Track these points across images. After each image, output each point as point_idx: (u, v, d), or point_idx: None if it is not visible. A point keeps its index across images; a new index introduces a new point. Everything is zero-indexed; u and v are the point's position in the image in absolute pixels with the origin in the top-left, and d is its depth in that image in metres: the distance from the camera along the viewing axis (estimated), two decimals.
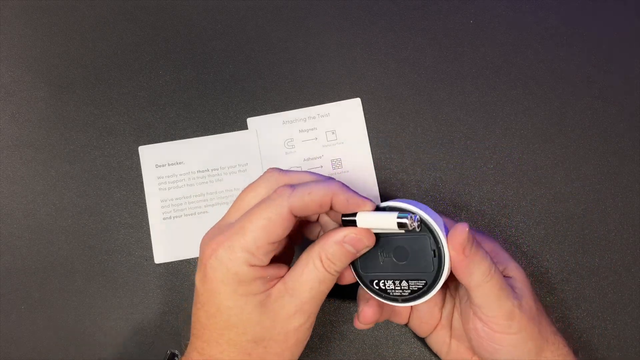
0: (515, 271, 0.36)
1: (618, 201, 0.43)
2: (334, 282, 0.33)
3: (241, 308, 0.31)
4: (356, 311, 0.42)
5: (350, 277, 0.36)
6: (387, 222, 0.31)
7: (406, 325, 0.39)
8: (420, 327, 0.38)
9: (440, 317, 0.38)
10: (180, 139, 0.44)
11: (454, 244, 0.31)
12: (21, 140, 0.44)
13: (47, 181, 0.43)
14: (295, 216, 0.31)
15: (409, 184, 0.43)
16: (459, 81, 0.44)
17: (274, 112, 0.44)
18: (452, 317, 0.37)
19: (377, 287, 0.34)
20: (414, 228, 0.31)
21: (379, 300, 0.35)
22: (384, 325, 0.42)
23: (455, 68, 0.45)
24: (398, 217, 0.31)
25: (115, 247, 0.43)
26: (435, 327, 0.38)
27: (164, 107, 0.44)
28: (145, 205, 0.43)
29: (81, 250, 0.43)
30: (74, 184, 0.43)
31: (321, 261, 0.32)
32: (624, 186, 0.43)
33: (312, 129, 0.44)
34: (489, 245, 0.37)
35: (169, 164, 0.43)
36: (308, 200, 0.31)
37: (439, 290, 0.32)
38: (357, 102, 0.44)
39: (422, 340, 0.42)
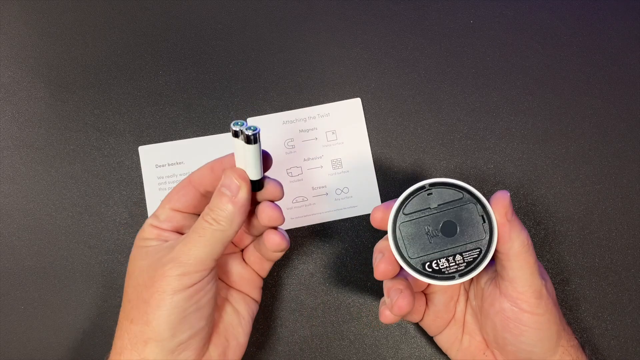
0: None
1: (618, 201, 0.43)
2: (219, 236, 0.31)
3: (134, 256, 0.33)
4: (355, 310, 0.42)
5: (275, 239, 0.35)
6: (238, 145, 0.32)
7: (418, 324, 0.39)
8: (435, 323, 0.38)
9: (455, 312, 0.37)
10: (180, 139, 0.44)
11: (498, 208, 0.31)
12: (21, 140, 0.44)
13: (47, 181, 0.43)
14: (198, 189, 0.34)
15: (409, 184, 0.43)
16: (459, 81, 0.44)
17: (274, 112, 0.44)
18: (465, 311, 0.37)
19: (431, 269, 0.33)
20: (246, 135, 0.31)
21: (410, 288, 0.35)
22: (384, 325, 0.42)
23: (455, 68, 0.45)
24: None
25: (115, 247, 0.43)
26: (448, 323, 0.38)
27: (164, 107, 0.44)
28: (145, 205, 0.43)
29: (81, 250, 0.43)
30: (74, 184, 0.43)
31: (202, 214, 0.32)
32: (624, 186, 0.43)
33: (312, 129, 0.44)
34: None
35: (169, 164, 0.43)
36: (202, 168, 0.34)
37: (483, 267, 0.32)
38: (357, 102, 0.44)
39: (422, 340, 0.42)
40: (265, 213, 0.34)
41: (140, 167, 0.43)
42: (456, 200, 0.32)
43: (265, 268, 0.38)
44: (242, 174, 0.32)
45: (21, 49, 0.45)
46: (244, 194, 0.32)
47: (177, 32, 0.45)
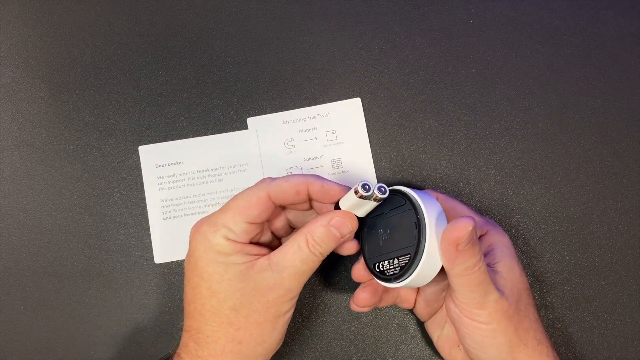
0: (510, 269, 0.35)
1: (618, 201, 0.43)
2: (318, 263, 0.34)
3: (221, 274, 0.33)
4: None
5: (351, 248, 0.37)
6: (351, 194, 0.33)
7: (411, 310, 0.40)
8: (425, 310, 0.39)
9: (444, 302, 0.38)
10: (180, 139, 0.44)
11: (448, 237, 0.31)
12: (21, 140, 0.44)
13: (47, 181, 0.43)
14: (275, 203, 0.34)
15: (409, 184, 0.43)
16: (459, 81, 0.44)
17: (274, 112, 0.44)
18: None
19: (377, 270, 0.35)
20: (375, 196, 0.32)
21: (377, 284, 0.36)
22: (384, 325, 0.42)
23: (455, 68, 0.45)
24: (354, 187, 0.32)
25: (115, 247, 0.43)
26: (437, 311, 0.39)
27: (164, 107, 0.44)
28: (145, 205, 0.43)
29: (81, 250, 0.43)
30: (74, 184, 0.43)
31: (307, 242, 0.33)
32: (624, 186, 0.43)
33: (312, 129, 0.44)
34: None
35: (169, 164, 0.43)
36: (285, 185, 0.34)
37: (431, 265, 0.32)
38: (357, 102, 0.44)
39: (422, 340, 0.42)
40: (346, 248, 0.36)
41: (140, 167, 0.43)
42: (401, 205, 0.33)
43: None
44: (354, 221, 0.34)
45: (21, 49, 0.45)
46: (350, 237, 0.35)
47: (177, 32, 0.45)
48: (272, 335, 0.34)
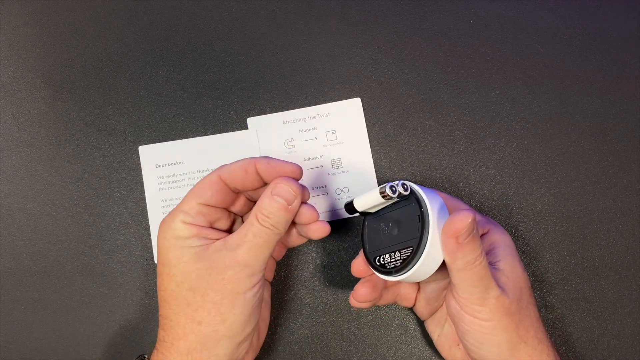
0: (512, 267, 0.35)
1: (618, 201, 0.43)
2: (274, 237, 0.34)
3: (178, 258, 0.34)
4: (355, 309, 0.42)
5: (294, 240, 0.38)
6: (374, 195, 0.33)
7: (411, 309, 0.40)
8: (425, 309, 0.39)
9: (445, 300, 0.38)
10: (180, 139, 0.44)
11: (448, 229, 0.31)
12: (21, 140, 0.44)
13: (47, 181, 0.43)
14: (229, 185, 0.35)
15: None
16: (459, 81, 0.44)
17: (274, 112, 0.44)
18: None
19: (378, 264, 0.34)
20: (399, 194, 0.32)
21: (378, 279, 0.36)
22: (384, 325, 0.42)
23: (455, 68, 0.45)
24: (380, 188, 0.33)
25: (115, 247, 0.43)
26: (437, 310, 0.39)
27: (164, 107, 0.44)
28: (145, 205, 0.43)
29: (81, 250, 0.43)
30: (74, 184, 0.43)
31: (256, 217, 0.34)
32: (624, 186, 0.43)
33: (312, 129, 0.44)
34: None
35: (169, 164, 0.43)
36: (233, 166, 0.35)
37: (432, 258, 0.32)
38: (357, 102, 0.44)
39: (422, 341, 0.42)
40: (304, 215, 0.36)
41: (140, 167, 0.43)
42: (404, 199, 0.33)
43: (282, 253, 0.41)
44: (296, 186, 0.34)
45: (21, 49, 0.45)
46: (297, 203, 0.34)
47: (177, 32, 0.45)
48: (232, 313, 0.33)
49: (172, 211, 0.35)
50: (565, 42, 0.45)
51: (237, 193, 0.37)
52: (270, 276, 0.40)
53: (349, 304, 0.38)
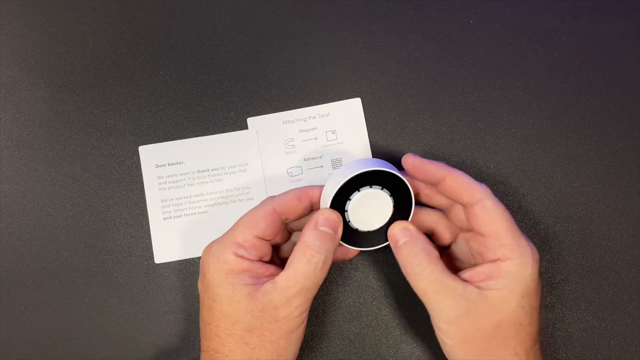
0: (501, 298, 0.34)
1: (618, 201, 0.43)
2: (322, 271, 0.34)
3: (230, 297, 0.33)
4: (355, 310, 0.42)
5: (353, 251, 0.38)
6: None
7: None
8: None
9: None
10: (180, 139, 0.44)
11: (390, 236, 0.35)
12: (21, 140, 0.44)
13: (47, 181, 0.43)
14: (281, 216, 0.35)
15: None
16: (459, 81, 0.44)
17: (274, 112, 0.44)
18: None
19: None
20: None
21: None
22: (384, 325, 0.42)
23: (455, 68, 0.45)
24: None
25: (115, 247, 0.43)
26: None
27: (164, 107, 0.44)
28: (145, 205, 0.43)
29: (81, 250, 0.43)
30: (74, 184, 0.43)
31: (304, 254, 0.33)
32: (624, 186, 0.43)
33: (312, 129, 0.44)
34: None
35: (169, 164, 0.43)
36: (286, 196, 0.35)
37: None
38: (357, 102, 0.44)
39: (422, 341, 0.42)
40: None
41: (140, 167, 0.43)
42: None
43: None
44: (337, 214, 0.35)
45: (21, 49, 0.45)
46: (341, 230, 0.35)
47: (177, 32, 0.45)
48: (287, 350, 0.34)
49: (222, 239, 0.35)
50: (565, 42, 0.45)
51: (289, 232, 0.38)
52: None
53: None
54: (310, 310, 0.42)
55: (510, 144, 0.44)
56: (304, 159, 0.44)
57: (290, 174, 0.43)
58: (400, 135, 0.44)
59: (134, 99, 0.44)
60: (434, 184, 0.36)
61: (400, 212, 0.36)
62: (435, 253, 0.34)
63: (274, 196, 0.36)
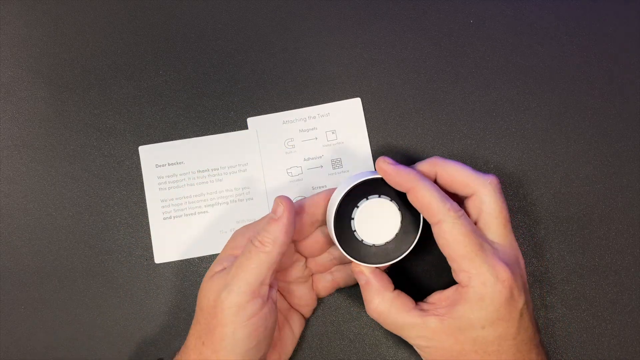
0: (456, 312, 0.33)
1: (618, 201, 0.43)
2: (262, 257, 0.33)
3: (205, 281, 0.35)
4: (355, 310, 0.42)
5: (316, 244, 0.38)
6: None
7: None
8: None
9: None
10: (180, 139, 0.44)
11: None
12: (21, 140, 0.44)
13: (47, 181, 0.43)
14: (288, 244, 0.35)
15: None
16: (459, 81, 0.44)
17: (274, 112, 0.44)
18: None
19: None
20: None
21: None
22: None
23: (455, 68, 0.45)
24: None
25: (115, 247, 0.43)
26: None
27: (164, 107, 0.44)
28: (145, 205, 0.43)
29: (81, 250, 0.43)
30: (74, 184, 0.43)
31: (250, 238, 0.34)
32: (624, 186, 0.43)
33: (312, 129, 0.44)
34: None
35: (169, 164, 0.43)
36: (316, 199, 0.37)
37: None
38: (357, 102, 0.44)
39: None
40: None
41: (140, 167, 0.43)
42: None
43: (329, 292, 0.40)
44: (287, 200, 0.34)
45: (21, 49, 0.45)
46: (287, 215, 0.33)
47: (177, 31, 0.45)
48: (222, 344, 0.33)
49: (233, 276, 0.33)
50: (565, 42, 0.45)
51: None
52: (310, 314, 0.41)
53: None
54: (307, 321, 0.42)
55: (510, 144, 0.44)
56: (304, 159, 0.44)
57: (290, 174, 0.43)
58: (400, 135, 0.44)
59: (134, 99, 0.44)
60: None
61: (410, 228, 0.35)
62: (389, 295, 0.35)
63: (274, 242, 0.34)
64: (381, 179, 0.35)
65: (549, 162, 0.43)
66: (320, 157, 0.44)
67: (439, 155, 0.43)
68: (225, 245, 0.36)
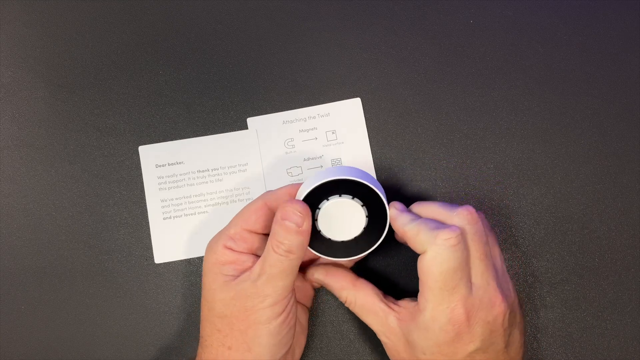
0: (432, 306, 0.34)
1: (618, 201, 0.43)
2: (290, 263, 0.34)
3: (210, 284, 0.35)
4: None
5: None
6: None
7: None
8: None
9: None
10: (180, 139, 0.44)
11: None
12: (21, 140, 0.44)
13: (47, 181, 0.43)
14: (273, 210, 0.36)
15: (408, 184, 0.43)
16: (459, 81, 0.44)
17: (274, 112, 0.44)
18: None
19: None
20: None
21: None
22: None
23: (455, 68, 0.45)
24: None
25: (115, 247, 0.43)
26: None
27: (164, 107, 0.44)
28: (145, 205, 0.43)
29: (81, 250, 0.43)
30: (74, 184, 0.43)
31: (271, 246, 0.34)
32: (624, 186, 0.43)
33: (312, 129, 0.44)
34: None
35: (169, 164, 0.43)
36: (279, 191, 0.37)
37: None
38: (357, 102, 0.44)
39: None
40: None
41: (140, 167, 0.43)
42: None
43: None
44: (303, 207, 0.34)
45: (21, 49, 0.45)
46: (308, 224, 0.34)
47: (177, 32, 0.45)
48: (257, 343, 0.34)
49: (218, 233, 0.36)
50: (565, 42, 0.45)
51: None
52: (310, 303, 0.41)
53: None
54: (310, 311, 0.42)
55: (510, 144, 0.44)
56: (304, 159, 0.44)
57: (290, 174, 0.43)
58: (400, 135, 0.44)
59: (134, 99, 0.44)
60: None
61: (377, 221, 0.36)
62: (361, 282, 0.38)
63: (270, 191, 0.38)
64: (341, 180, 0.35)
65: (549, 162, 0.43)
66: (320, 157, 0.44)
67: (438, 155, 0.44)
68: (235, 219, 0.37)
